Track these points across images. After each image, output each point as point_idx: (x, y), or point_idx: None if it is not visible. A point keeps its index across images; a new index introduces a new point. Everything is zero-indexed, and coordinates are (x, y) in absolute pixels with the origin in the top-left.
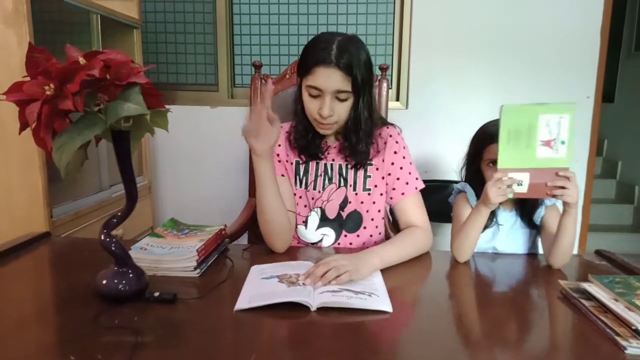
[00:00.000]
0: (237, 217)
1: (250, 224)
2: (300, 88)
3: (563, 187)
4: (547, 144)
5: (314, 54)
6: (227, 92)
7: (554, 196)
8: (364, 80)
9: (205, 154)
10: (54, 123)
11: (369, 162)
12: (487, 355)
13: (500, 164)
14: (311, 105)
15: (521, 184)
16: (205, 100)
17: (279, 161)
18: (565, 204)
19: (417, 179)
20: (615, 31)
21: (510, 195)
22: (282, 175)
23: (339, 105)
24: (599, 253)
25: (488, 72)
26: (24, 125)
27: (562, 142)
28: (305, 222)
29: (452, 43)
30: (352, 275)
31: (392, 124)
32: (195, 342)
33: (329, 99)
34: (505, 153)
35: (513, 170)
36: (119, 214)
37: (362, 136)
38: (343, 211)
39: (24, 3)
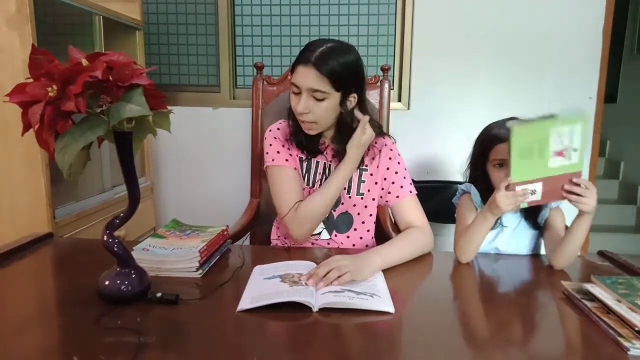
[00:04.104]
0: (239, 219)
1: (253, 225)
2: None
3: (579, 195)
4: (559, 154)
5: (301, 54)
6: (229, 93)
7: (570, 201)
8: (345, 83)
9: (207, 155)
10: (57, 125)
11: (364, 167)
12: (490, 356)
13: (514, 178)
14: (293, 102)
15: (534, 193)
16: (207, 101)
17: (291, 155)
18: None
19: (411, 184)
20: (618, 32)
21: (525, 205)
22: (295, 169)
23: (315, 104)
24: (601, 254)
25: (490, 73)
26: (27, 127)
27: (575, 150)
28: None
29: (454, 44)
30: (354, 276)
31: (387, 135)
32: (197, 343)
33: (305, 97)
34: (518, 169)
35: (526, 184)
36: (122, 215)
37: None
38: (335, 211)
39: (27, 5)
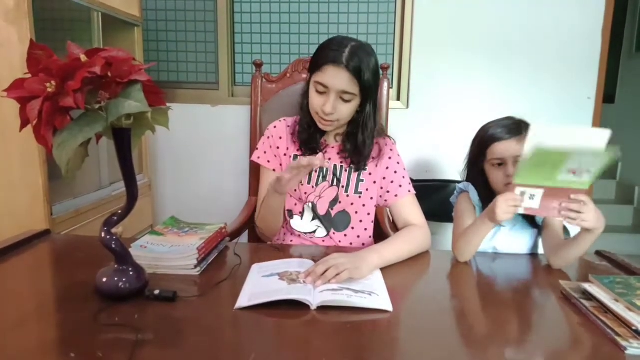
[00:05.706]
0: (237, 216)
1: (251, 222)
2: (309, 84)
3: (578, 212)
4: (572, 171)
5: (327, 52)
6: (228, 90)
7: (568, 218)
8: (370, 86)
9: (205, 152)
10: (55, 120)
11: (363, 167)
12: (487, 354)
13: (517, 179)
14: (316, 101)
15: (533, 198)
16: (205, 98)
17: (276, 156)
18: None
19: (409, 183)
20: (617, 32)
21: (521, 211)
22: (274, 170)
23: (342, 105)
24: (599, 254)
25: (489, 71)
26: (25, 123)
27: (588, 172)
28: (302, 214)
29: (453, 42)
30: (352, 274)
31: (388, 136)
32: (195, 340)
33: (334, 97)
34: (525, 170)
35: (528, 187)
36: (120, 211)
37: (363, 141)
38: (332, 209)
39: (25, 0)
